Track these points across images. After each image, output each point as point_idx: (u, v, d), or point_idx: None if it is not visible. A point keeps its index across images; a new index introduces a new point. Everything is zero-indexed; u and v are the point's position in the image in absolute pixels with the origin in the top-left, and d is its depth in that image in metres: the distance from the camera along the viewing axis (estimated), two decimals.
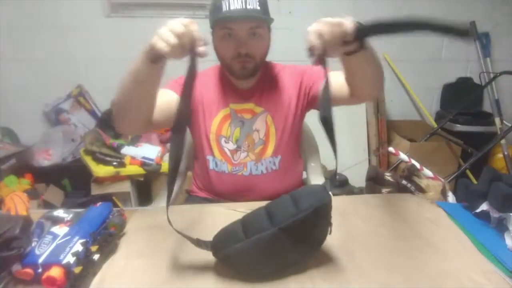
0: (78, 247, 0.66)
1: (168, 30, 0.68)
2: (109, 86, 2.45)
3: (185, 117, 0.67)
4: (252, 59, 0.96)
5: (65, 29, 2.22)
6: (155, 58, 0.74)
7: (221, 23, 0.93)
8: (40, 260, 0.63)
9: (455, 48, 2.48)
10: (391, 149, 1.18)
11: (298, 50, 2.62)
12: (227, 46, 0.95)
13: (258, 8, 0.92)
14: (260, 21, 0.94)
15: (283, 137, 1.06)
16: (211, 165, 1.07)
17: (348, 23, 0.70)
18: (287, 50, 2.32)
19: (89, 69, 2.31)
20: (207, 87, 1.07)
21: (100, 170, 1.91)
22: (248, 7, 0.91)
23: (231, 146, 1.06)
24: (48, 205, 1.89)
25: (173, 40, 0.67)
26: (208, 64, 1.10)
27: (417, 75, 2.50)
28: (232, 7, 0.90)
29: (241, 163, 1.05)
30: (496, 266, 0.69)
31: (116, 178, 1.95)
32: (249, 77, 1.01)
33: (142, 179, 1.99)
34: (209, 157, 1.07)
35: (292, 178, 1.13)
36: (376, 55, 0.83)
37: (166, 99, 0.95)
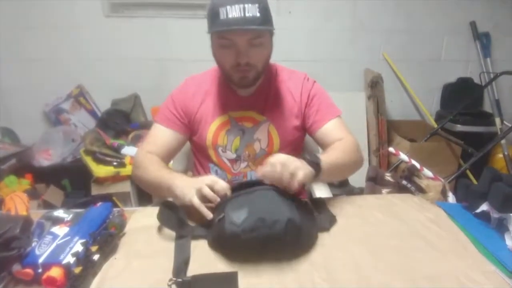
0: (78, 247, 0.66)
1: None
2: (109, 86, 2.48)
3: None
4: (252, 68, 0.92)
5: (65, 29, 2.22)
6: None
7: (219, 33, 0.89)
8: (40, 260, 0.63)
9: (455, 48, 2.48)
10: (391, 149, 1.18)
11: (298, 50, 2.62)
12: (226, 55, 0.91)
13: (258, 15, 0.84)
14: (260, 31, 0.88)
15: (287, 149, 1.02)
16: (212, 173, 1.07)
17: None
18: (287, 50, 2.33)
19: (89, 69, 2.31)
20: (205, 93, 1.04)
21: (100, 170, 1.91)
22: (247, 15, 0.83)
23: (229, 155, 1.04)
24: (48, 205, 1.89)
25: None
26: (208, 64, 1.09)
27: (417, 75, 2.50)
28: (230, 15, 0.83)
29: (241, 172, 1.04)
30: (496, 266, 0.70)
31: (116, 178, 1.94)
32: (249, 86, 0.98)
33: None
34: (210, 165, 1.07)
35: None
36: (335, 167, 0.88)
37: (168, 143, 1.03)
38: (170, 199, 0.86)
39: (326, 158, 0.86)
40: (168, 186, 0.84)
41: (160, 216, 0.78)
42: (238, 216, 0.70)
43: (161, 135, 1.03)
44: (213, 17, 0.86)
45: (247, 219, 0.69)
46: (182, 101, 1.03)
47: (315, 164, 0.81)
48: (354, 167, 0.98)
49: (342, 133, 1.01)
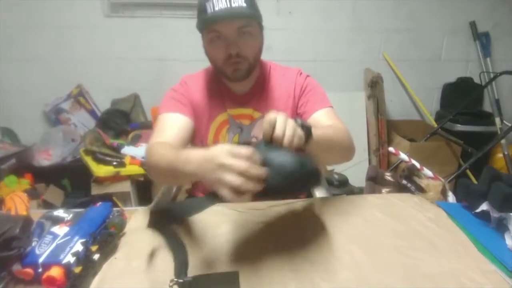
0: (78, 247, 0.66)
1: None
2: (109, 86, 2.48)
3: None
4: (244, 60, 0.92)
5: (65, 29, 2.22)
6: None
7: (207, 26, 0.90)
8: (40, 260, 0.63)
9: (455, 48, 2.48)
10: (391, 149, 1.18)
11: (298, 50, 2.62)
12: (216, 49, 0.92)
13: (244, 4, 0.87)
14: (247, 19, 0.89)
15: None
16: None
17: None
18: (287, 50, 2.33)
19: (89, 69, 2.31)
20: (203, 92, 1.04)
21: (100, 170, 1.91)
22: (233, 5, 0.86)
23: None
24: (48, 205, 1.89)
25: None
26: (207, 64, 1.08)
27: (417, 75, 2.50)
28: (216, 8, 0.85)
29: None
30: (496, 266, 0.69)
31: (116, 178, 1.94)
32: (243, 79, 0.97)
33: (142, 179, 1.98)
34: None
35: None
36: (326, 140, 0.81)
37: (179, 128, 0.96)
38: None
39: (317, 129, 0.77)
40: (181, 169, 0.69)
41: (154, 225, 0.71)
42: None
43: (170, 122, 0.96)
44: (202, 13, 0.89)
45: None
46: (184, 92, 1.02)
47: (306, 128, 0.72)
48: (345, 152, 0.93)
49: (333, 122, 0.97)
